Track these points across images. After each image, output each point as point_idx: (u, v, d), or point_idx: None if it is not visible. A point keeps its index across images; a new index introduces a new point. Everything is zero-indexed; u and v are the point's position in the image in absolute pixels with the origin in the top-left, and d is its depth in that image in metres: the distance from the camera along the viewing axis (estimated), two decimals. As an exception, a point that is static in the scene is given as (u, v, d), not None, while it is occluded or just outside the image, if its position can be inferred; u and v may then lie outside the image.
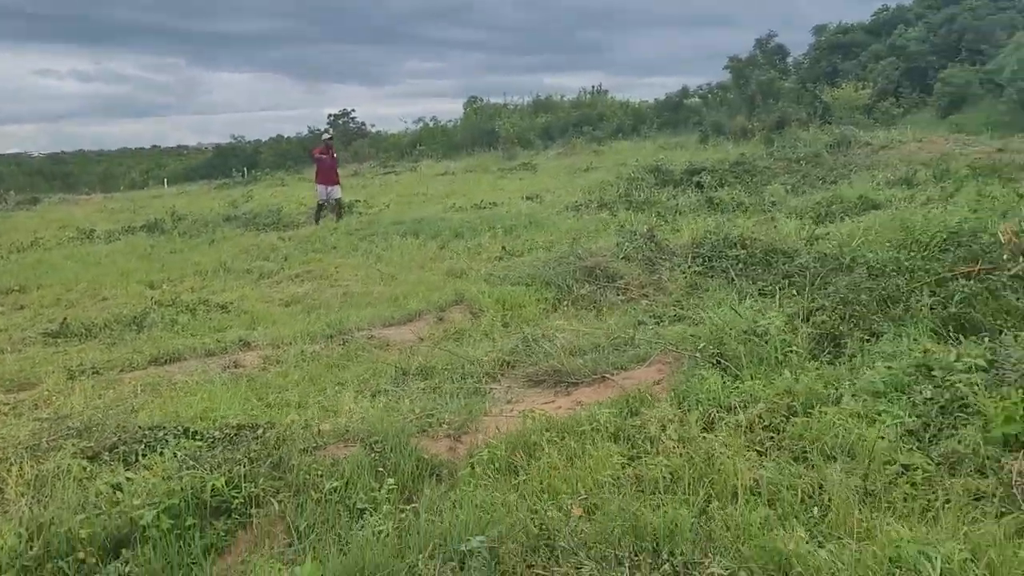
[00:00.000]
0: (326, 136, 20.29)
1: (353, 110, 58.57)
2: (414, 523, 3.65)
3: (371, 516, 3.75)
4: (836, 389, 4.86)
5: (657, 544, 3.12)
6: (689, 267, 8.98)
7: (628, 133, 44.52)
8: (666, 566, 2.95)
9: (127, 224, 21.02)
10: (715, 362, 5.58)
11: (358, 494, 3.93)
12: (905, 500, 3.65)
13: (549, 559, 3.09)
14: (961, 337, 5.65)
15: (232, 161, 55.91)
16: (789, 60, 40.02)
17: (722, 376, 5.26)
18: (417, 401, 5.57)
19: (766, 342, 5.57)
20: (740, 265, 8.80)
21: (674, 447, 4.26)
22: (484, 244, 13.25)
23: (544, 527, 3.31)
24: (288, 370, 6.97)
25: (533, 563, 3.08)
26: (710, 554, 2.99)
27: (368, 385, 6.25)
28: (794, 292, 7.51)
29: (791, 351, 5.52)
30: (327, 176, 18.17)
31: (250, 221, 18.59)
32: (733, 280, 8.42)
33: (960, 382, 4.69)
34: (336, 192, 18.39)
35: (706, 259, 9.17)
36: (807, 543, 3.20)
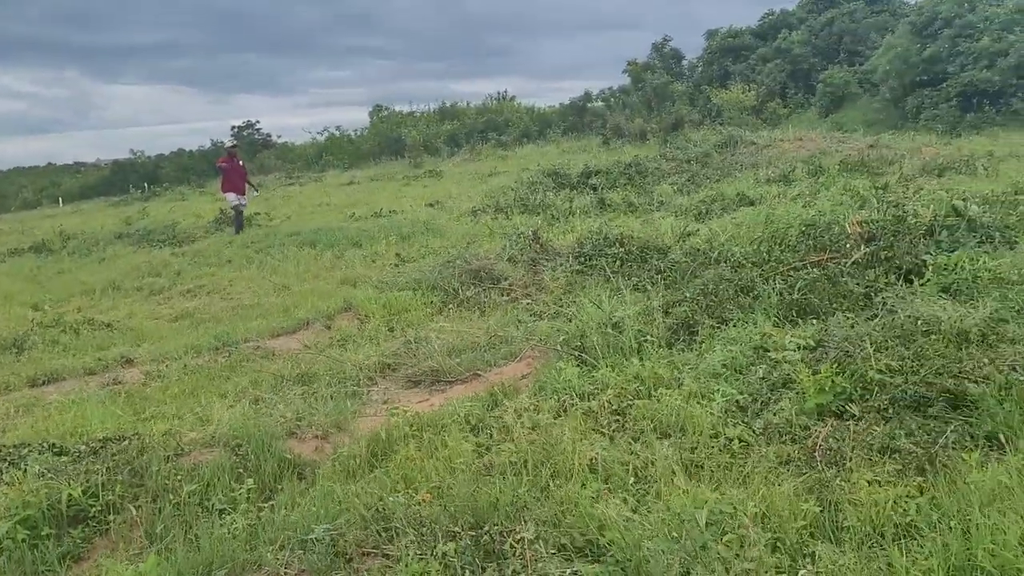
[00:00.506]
0: (229, 144, 19.98)
1: (258, 121, 57.68)
2: (269, 518, 3.82)
3: (229, 515, 3.90)
4: (680, 373, 5.23)
5: (479, 519, 3.38)
6: (570, 266, 9.33)
7: (534, 138, 45.15)
8: (486, 536, 3.21)
9: (14, 246, 20.32)
10: (576, 354, 5.90)
11: (217, 495, 4.08)
12: (724, 468, 4.00)
13: (382, 540, 3.32)
14: (800, 320, 6.14)
15: (132, 177, 54.23)
16: (684, 63, 41.38)
17: (580, 367, 5.59)
18: (292, 406, 5.71)
19: (621, 333, 5.92)
20: (617, 263, 9.18)
21: (526, 434, 4.54)
22: (380, 252, 13.38)
23: (382, 512, 3.53)
24: (169, 384, 7.00)
25: (364, 543, 3.30)
26: (524, 522, 3.27)
27: (247, 394, 6.35)
28: (663, 286, 7.95)
29: (646, 340, 5.89)
30: (236, 184, 17.90)
31: (144, 238, 18.23)
32: (609, 278, 8.80)
33: (788, 360, 5.14)
34: (245, 201, 18.24)
35: (587, 258, 9.54)
36: (627, 510, 3.51)
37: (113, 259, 16.21)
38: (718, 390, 4.85)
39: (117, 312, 11.09)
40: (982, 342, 5.12)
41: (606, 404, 4.88)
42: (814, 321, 6.04)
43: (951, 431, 3.99)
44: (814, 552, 3.02)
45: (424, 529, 3.27)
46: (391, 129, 48.21)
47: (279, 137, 56.79)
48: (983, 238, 7.33)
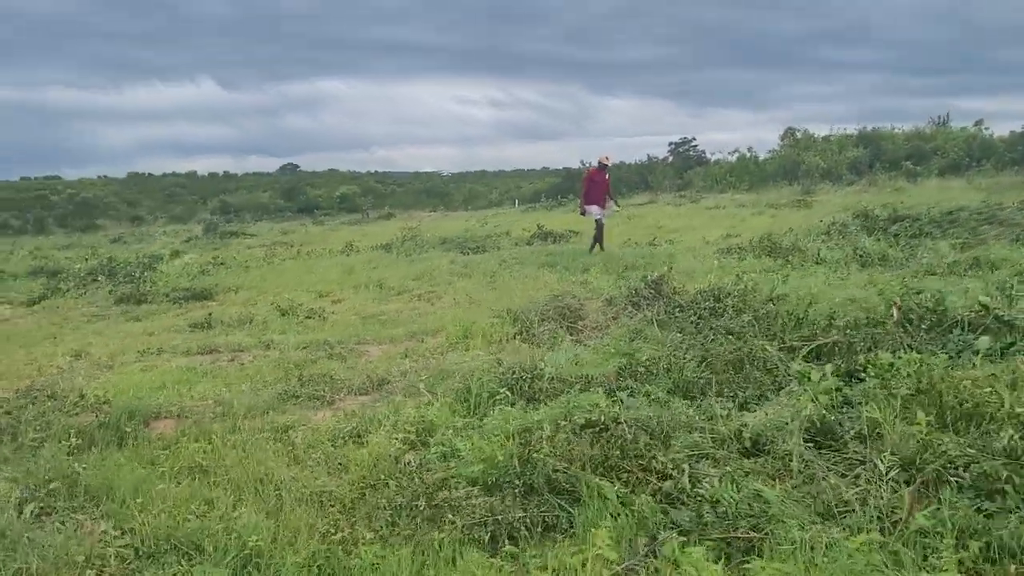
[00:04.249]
0: (602, 157, 19.91)
1: (694, 138, 58.62)
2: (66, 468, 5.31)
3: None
4: (465, 422, 5.58)
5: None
6: (653, 315, 9.28)
7: (962, 170, 40.21)
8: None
9: (388, 242, 24.58)
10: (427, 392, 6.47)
11: (51, 444, 5.70)
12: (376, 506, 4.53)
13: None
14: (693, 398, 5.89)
15: (576, 185, 59.66)
16: None
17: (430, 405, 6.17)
18: (244, 396, 7.14)
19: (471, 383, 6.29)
20: (694, 317, 8.93)
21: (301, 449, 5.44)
22: (588, 281, 14.06)
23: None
24: (247, 367, 8.89)
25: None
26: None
27: (255, 382, 7.93)
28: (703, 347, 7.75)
29: (500, 393, 6.18)
30: (597, 197, 18.66)
31: (458, 245, 20.99)
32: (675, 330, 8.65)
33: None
34: (606, 215, 18.86)
35: (680, 308, 9.37)
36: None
37: (418, 262, 19.06)
38: (454, 444, 5.17)
39: (344, 306, 13.55)
40: (754, 450, 4.65)
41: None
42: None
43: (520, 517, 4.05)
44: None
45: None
46: (796, 153, 46.64)
47: (713, 154, 57.24)
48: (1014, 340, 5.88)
